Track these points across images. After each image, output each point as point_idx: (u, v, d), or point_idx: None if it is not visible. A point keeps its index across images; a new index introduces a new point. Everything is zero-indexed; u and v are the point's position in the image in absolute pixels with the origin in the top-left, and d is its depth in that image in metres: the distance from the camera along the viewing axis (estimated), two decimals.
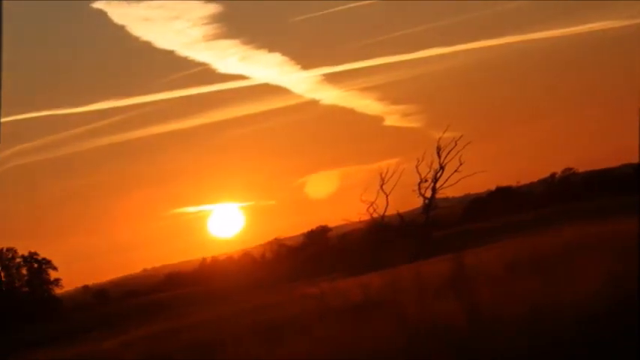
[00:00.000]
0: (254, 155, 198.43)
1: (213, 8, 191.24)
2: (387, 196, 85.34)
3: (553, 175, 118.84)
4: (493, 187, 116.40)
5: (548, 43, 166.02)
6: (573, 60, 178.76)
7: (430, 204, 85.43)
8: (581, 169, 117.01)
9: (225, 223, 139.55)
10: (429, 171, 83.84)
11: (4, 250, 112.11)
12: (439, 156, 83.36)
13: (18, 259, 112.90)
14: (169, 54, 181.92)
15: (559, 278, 19.61)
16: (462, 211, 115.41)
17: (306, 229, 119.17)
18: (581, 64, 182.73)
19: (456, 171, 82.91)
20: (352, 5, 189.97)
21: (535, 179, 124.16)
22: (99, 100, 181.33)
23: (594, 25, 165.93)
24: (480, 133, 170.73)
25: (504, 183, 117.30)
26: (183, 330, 36.52)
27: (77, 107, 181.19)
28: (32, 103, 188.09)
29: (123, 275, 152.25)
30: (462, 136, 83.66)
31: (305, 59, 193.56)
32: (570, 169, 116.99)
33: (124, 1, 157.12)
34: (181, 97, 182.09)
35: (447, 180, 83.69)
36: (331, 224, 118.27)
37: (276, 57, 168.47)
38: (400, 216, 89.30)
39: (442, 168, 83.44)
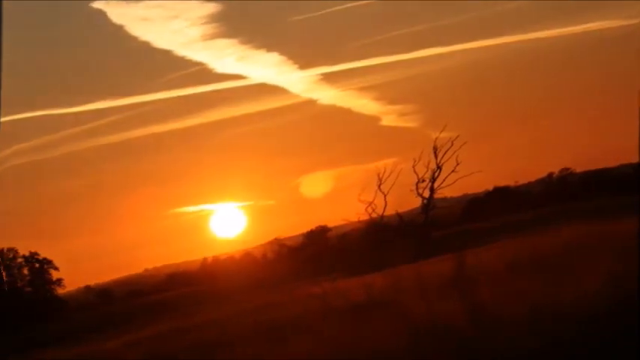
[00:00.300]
0: (252, 155, 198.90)
1: (212, 8, 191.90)
2: (384, 196, 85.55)
3: (550, 175, 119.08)
4: (491, 187, 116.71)
5: (546, 43, 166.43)
6: (571, 60, 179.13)
7: (429, 204, 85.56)
8: (578, 169, 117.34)
9: (227, 223, 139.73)
10: (427, 171, 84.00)
11: (5, 250, 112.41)
12: (436, 156, 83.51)
13: (19, 259, 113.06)
14: (167, 54, 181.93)
15: (559, 278, 19.69)
16: (461, 211, 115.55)
17: (305, 229, 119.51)
18: (579, 65, 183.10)
19: (453, 171, 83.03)
20: (350, 5, 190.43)
21: (533, 179, 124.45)
22: (96, 100, 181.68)
23: (592, 25, 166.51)
24: (477, 133, 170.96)
25: (502, 183, 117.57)
26: (187, 330, 36.56)
27: (74, 107, 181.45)
28: (30, 103, 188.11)
29: (125, 275, 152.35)
30: (458, 136, 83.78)
31: (303, 59, 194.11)
32: (567, 169, 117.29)
33: (123, 1, 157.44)
34: (178, 97, 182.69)
35: (444, 180, 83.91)
36: (330, 224, 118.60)
37: (274, 57, 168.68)
38: (399, 216, 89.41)
39: (439, 168, 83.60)
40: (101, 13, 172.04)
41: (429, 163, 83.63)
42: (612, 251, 21.47)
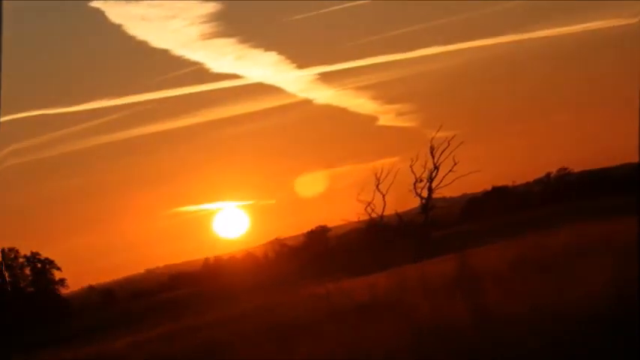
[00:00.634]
0: (249, 155, 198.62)
1: (211, 7, 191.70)
2: (383, 196, 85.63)
3: (548, 175, 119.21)
4: (489, 187, 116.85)
5: (544, 42, 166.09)
6: (569, 60, 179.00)
7: (428, 204, 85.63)
8: (576, 169, 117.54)
9: (230, 223, 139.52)
10: (424, 171, 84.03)
11: (6, 250, 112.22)
12: (432, 156, 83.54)
13: (21, 259, 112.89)
14: (165, 53, 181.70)
15: (560, 279, 19.77)
16: (460, 211, 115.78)
17: (303, 229, 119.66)
18: (577, 64, 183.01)
19: (450, 171, 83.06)
20: (348, 5, 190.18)
21: (530, 179, 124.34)
22: (93, 100, 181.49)
23: (590, 25, 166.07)
24: (474, 133, 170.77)
25: (500, 183, 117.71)
26: (192, 330, 36.61)
27: (71, 106, 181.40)
28: (27, 103, 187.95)
29: (127, 275, 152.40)
30: (454, 136, 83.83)
31: (300, 58, 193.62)
32: (565, 168, 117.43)
33: (123, 0, 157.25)
34: (175, 97, 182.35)
35: (442, 180, 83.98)
36: (330, 224, 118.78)
37: (272, 56, 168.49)
38: (399, 216, 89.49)
39: (436, 168, 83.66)
40: (99, 13, 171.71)
41: (426, 163, 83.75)
42: (612, 251, 21.52)
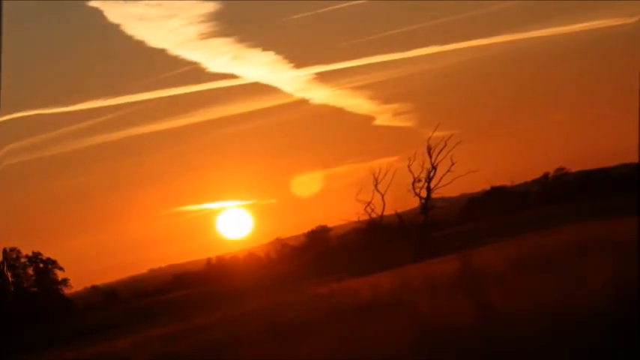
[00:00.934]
0: (247, 154, 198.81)
1: (210, 7, 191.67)
2: (382, 195, 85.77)
3: (546, 175, 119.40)
4: (487, 187, 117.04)
5: (542, 41, 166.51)
6: (566, 59, 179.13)
7: (427, 204, 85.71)
8: (573, 169, 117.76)
9: (234, 224, 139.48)
10: (422, 171, 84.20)
11: (8, 249, 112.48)
12: (430, 156, 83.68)
13: (23, 259, 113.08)
14: (162, 53, 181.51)
15: (560, 279, 19.67)
16: (459, 211, 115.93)
17: (304, 229, 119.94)
18: (574, 64, 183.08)
19: (448, 171, 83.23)
20: (346, 5, 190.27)
21: (529, 179, 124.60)
22: (90, 99, 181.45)
23: (588, 24, 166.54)
24: (471, 133, 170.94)
25: (497, 183, 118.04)
26: (196, 330, 36.60)
27: (68, 106, 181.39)
28: (24, 102, 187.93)
29: (130, 275, 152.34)
30: (451, 136, 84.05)
31: (298, 58, 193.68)
32: (562, 168, 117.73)
33: (122, 0, 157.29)
34: (172, 96, 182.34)
35: (440, 179, 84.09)
36: (330, 224, 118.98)
37: (270, 55, 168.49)
38: (399, 216, 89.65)
39: (434, 168, 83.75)
40: (98, 12, 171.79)
41: (423, 163, 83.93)
42: (613, 251, 21.44)
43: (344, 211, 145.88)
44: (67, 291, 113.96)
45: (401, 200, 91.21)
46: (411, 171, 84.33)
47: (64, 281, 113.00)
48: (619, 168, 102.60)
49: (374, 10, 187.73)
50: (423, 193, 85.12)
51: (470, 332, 15.71)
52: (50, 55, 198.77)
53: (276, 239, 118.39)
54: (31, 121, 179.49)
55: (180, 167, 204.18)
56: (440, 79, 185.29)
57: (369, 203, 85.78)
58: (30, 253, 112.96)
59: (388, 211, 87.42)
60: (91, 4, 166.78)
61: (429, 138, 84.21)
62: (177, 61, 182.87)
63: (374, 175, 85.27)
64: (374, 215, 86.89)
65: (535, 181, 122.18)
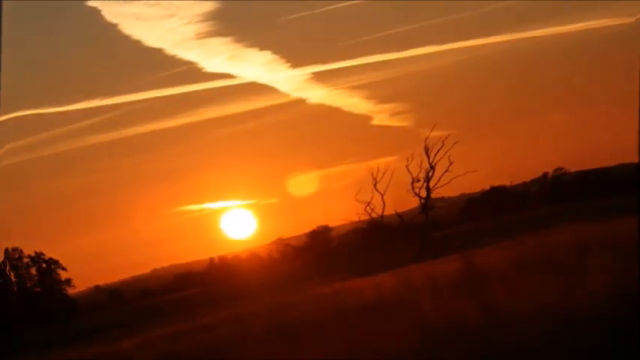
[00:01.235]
0: (245, 154, 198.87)
1: (208, 6, 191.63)
2: (382, 195, 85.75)
3: (545, 175, 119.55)
4: (486, 187, 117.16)
5: (539, 41, 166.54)
6: (565, 59, 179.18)
7: (427, 204, 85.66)
8: (572, 169, 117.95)
9: (238, 223, 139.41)
10: (420, 170, 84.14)
11: (10, 249, 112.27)
12: (428, 155, 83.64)
13: (25, 260, 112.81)
14: (159, 52, 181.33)
15: (562, 279, 19.61)
16: (459, 211, 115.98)
17: (304, 229, 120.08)
18: (572, 63, 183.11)
19: (446, 171, 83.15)
20: (343, 4, 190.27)
21: (526, 179, 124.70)
22: (87, 99, 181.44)
23: (586, 24, 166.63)
24: (468, 132, 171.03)
25: (496, 183, 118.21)
26: (201, 330, 36.61)
27: (64, 106, 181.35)
28: (22, 102, 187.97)
29: (133, 275, 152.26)
30: (448, 136, 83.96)
31: (295, 58, 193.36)
32: (561, 168, 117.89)
33: (120, 0, 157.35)
34: (169, 96, 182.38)
35: (439, 179, 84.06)
36: (330, 224, 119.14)
37: (266, 55, 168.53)
38: (399, 216, 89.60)
39: (432, 168, 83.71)
40: (96, 12, 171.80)
41: (422, 163, 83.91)
42: (613, 252, 21.40)
43: (344, 211, 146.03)
44: (70, 291, 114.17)
45: (401, 200, 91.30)
46: (409, 171, 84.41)
47: (68, 281, 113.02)
48: (618, 168, 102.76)
49: (371, 10, 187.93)
50: (423, 193, 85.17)
51: (474, 332, 15.81)
52: (48, 54, 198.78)
53: (278, 239, 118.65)
54: (28, 121, 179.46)
55: (180, 167, 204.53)
56: (437, 79, 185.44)
57: (368, 203, 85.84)
58: (32, 253, 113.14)
59: (388, 211, 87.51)
60: (90, 3, 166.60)
61: (426, 138, 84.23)
62: (174, 61, 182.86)
63: (372, 175, 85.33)
64: (374, 215, 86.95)
65: (534, 181, 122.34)
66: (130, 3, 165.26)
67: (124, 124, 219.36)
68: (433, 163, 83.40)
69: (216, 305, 59.92)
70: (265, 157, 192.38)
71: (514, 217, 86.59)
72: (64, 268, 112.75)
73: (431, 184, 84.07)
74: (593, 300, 15.78)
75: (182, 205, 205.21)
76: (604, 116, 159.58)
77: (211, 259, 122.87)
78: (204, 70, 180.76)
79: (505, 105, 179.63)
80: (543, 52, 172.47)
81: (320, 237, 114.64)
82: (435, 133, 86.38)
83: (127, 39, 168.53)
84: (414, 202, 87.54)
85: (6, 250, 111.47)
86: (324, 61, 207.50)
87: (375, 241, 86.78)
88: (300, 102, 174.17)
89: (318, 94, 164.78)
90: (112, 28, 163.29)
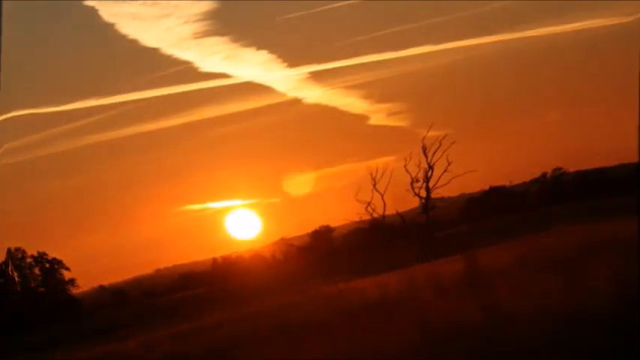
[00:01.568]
0: (244, 154, 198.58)
1: (206, 5, 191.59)
2: (382, 195, 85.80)
3: (544, 175, 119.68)
4: (486, 187, 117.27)
5: (536, 41, 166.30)
6: (562, 59, 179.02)
7: (427, 204, 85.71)
8: (571, 169, 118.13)
9: (242, 223, 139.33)
10: (419, 170, 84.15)
11: (13, 249, 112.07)
12: (425, 155, 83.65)
13: (28, 259, 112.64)
14: (155, 52, 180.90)
15: (563, 279, 19.83)
16: (460, 211, 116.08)
17: (306, 229, 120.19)
18: (571, 63, 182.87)
19: (445, 171, 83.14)
20: (340, 4, 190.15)
21: (527, 179, 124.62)
22: (83, 99, 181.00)
23: (585, 24, 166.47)
24: (466, 132, 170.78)
25: (495, 182, 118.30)
26: (206, 330, 36.73)
27: (60, 106, 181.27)
28: (18, 102, 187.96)
29: (137, 275, 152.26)
30: (446, 136, 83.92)
31: (292, 57, 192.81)
32: (560, 168, 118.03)
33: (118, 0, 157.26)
34: (165, 96, 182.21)
35: (438, 179, 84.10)
36: (331, 224, 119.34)
37: (263, 55, 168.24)
38: (400, 216, 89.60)
39: (431, 167, 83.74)
40: (93, 12, 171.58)
41: (420, 163, 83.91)
42: (613, 252, 21.67)
43: (344, 211, 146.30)
44: (74, 291, 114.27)
45: (401, 200, 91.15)
46: (407, 171, 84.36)
47: (72, 281, 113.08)
48: (617, 168, 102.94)
49: (367, 9, 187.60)
50: (423, 193, 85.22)
51: (477, 332, 15.95)
52: (45, 54, 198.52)
53: (281, 239, 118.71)
54: (25, 121, 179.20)
55: (179, 166, 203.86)
56: (434, 79, 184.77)
57: (369, 203, 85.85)
58: (35, 253, 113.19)
59: (389, 211, 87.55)
60: (87, 3, 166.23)
61: (424, 138, 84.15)
62: (170, 61, 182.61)
63: (371, 175, 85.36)
64: (375, 215, 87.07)
65: (534, 181, 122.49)
66: (127, 3, 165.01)
67: (121, 124, 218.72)
68: (431, 163, 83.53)
69: (220, 305, 59.90)
70: (264, 157, 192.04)
71: (514, 217, 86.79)
72: (67, 268, 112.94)
73: (430, 184, 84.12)
74: (593, 300, 15.90)
75: (184, 204, 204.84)
76: (602, 116, 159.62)
77: (214, 260, 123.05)
78: (200, 70, 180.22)
79: (502, 105, 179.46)
80: (540, 51, 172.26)
81: (322, 237, 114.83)
82: (432, 133, 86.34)
83: (123, 38, 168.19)
84: (414, 202, 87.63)
85: (9, 250, 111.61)
86: (321, 61, 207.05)
87: (376, 241, 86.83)
88: (296, 102, 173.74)
89: (315, 94, 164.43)
90: (109, 27, 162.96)
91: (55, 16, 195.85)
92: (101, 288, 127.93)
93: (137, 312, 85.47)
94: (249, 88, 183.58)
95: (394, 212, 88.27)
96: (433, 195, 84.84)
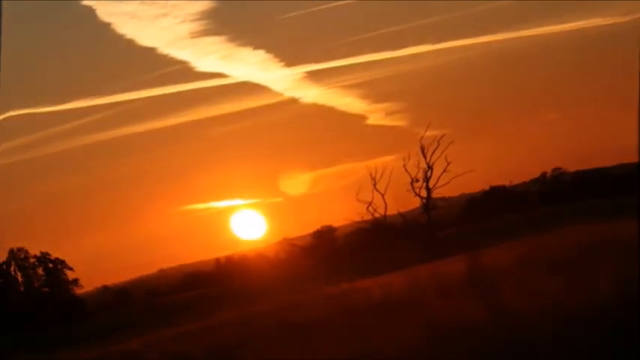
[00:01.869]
0: (242, 153, 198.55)
1: (204, 5, 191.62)
2: (382, 195, 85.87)
3: (544, 175, 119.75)
4: (486, 187, 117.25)
5: (535, 40, 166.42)
6: (561, 58, 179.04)
7: (428, 204, 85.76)
8: (570, 169, 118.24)
9: (247, 223, 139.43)
10: (418, 170, 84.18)
11: (16, 249, 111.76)
12: (424, 155, 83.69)
13: (31, 260, 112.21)
14: (152, 51, 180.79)
15: (563, 279, 20.07)
16: (460, 211, 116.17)
17: (308, 229, 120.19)
18: (569, 63, 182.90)
19: (445, 171, 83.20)
20: (338, 3, 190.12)
21: (526, 179, 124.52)
22: (78, 98, 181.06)
23: (583, 23, 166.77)
24: (464, 132, 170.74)
25: (495, 182, 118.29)
26: (210, 330, 36.76)
27: (57, 105, 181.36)
28: (16, 101, 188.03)
29: (140, 275, 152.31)
30: (444, 135, 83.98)
31: (289, 57, 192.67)
32: (559, 168, 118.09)
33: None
34: (161, 95, 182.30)
35: (438, 179, 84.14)
36: (333, 224, 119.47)
37: (260, 54, 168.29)
38: (402, 216, 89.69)
39: (430, 167, 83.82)
40: (90, 11, 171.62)
41: (419, 163, 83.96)
42: (613, 252, 21.97)
43: (344, 211, 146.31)
44: (77, 291, 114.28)
45: (402, 200, 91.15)
46: (407, 171, 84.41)
47: (75, 281, 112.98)
48: (617, 168, 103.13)
49: (364, 9, 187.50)
50: (423, 193, 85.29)
51: (480, 332, 16.13)
52: (42, 53, 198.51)
53: (284, 239, 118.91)
54: (23, 121, 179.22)
55: (178, 166, 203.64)
56: (432, 78, 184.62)
57: (370, 203, 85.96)
58: (38, 253, 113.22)
59: (390, 211, 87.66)
60: (84, 2, 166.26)
61: (422, 138, 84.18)
62: (167, 60, 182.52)
63: (371, 175, 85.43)
64: (377, 215, 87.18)
65: (533, 181, 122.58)
66: (124, 2, 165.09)
67: (118, 124, 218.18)
68: (430, 163, 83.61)
69: (224, 305, 59.65)
70: (262, 157, 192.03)
71: (514, 217, 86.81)
72: (70, 268, 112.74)
73: (430, 184, 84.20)
74: (593, 300, 16.10)
75: (186, 204, 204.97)
76: (601, 116, 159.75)
77: (217, 260, 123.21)
78: (197, 70, 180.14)
79: (501, 104, 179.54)
80: (539, 51, 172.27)
81: (325, 237, 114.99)
82: (431, 133, 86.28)
83: (120, 38, 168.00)
84: (415, 202, 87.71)
85: (11, 250, 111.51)
86: (318, 61, 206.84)
87: (379, 241, 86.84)
88: (293, 101, 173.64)
89: (312, 94, 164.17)
90: (106, 27, 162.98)
91: (51, 16, 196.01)
92: (105, 288, 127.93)
93: (141, 312, 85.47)
94: (246, 87, 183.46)
95: (395, 212, 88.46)
96: (434, 195, 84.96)
